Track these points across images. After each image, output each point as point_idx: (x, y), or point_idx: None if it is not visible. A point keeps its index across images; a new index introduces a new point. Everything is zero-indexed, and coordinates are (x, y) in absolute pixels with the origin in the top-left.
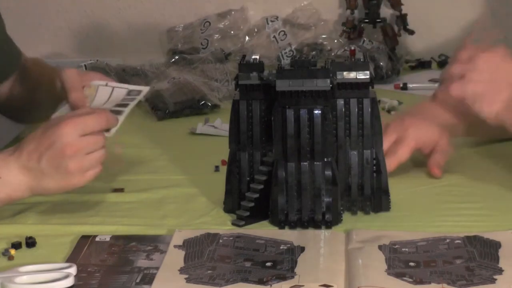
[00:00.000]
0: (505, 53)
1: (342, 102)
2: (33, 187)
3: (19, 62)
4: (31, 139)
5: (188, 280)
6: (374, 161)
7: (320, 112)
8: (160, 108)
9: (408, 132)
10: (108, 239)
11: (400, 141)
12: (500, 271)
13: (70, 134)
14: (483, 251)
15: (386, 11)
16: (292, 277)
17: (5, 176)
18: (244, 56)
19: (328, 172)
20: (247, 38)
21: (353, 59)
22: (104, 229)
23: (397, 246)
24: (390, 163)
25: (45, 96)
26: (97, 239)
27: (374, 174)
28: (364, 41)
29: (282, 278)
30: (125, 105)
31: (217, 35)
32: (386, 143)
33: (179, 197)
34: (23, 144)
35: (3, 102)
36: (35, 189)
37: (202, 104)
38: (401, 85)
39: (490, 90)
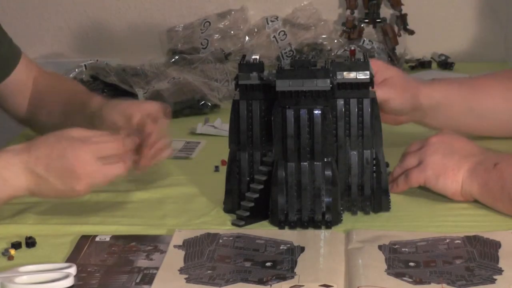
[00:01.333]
0: (452, 132)
1: (342, 102)
2: (32, 190)
3: (18, 59)
4: (43, 144)
5: (188, 280)
6: (374, 161)
7: (320, 112)
8: None
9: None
10: (108, 239)
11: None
12: (499, 271)
13: (85, 154)
14: (483, 251)
15: (386, 11)
16: (292, 277)
17: (8, 178)
18: (244, 56)
19: (328, 172)
20: (247, 38)
21: (353, 59)
22: (104, 229)
23: (397, 246)
24: (401, 187)
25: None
26: (97, 239)
27: (374, 174)
28: (364, 41)
29: (282, 278)
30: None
31: (217, 35)
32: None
33: (179, 197)
34: (33, 147)
35: (8, 100)
36: (34, 193)
37: (202, 104)
38: None
39: (449, 166)
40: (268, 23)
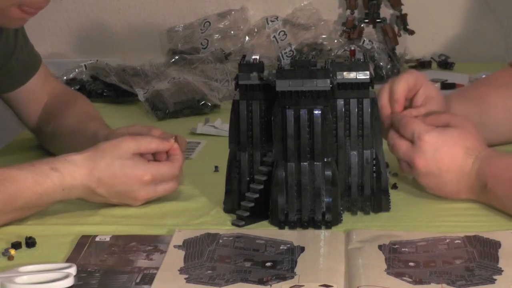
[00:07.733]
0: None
1: (342, 102)
2: (84, 199)
3: (36, 67)
4: (106, 167)
5: (188, 280)
6: (374, 161)
7: (320, 112)
8: (160, 108)
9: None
10: (108, 239)
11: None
12: (499, 271)
13: (147, 180)
14: (483, 251)
15: (386, 11)
16: (292, 277)
17: (68, 192)
18: (244, 56)
19: (328, 172)
20: (247, 38)
21: (353, 59)
22: (104, 229)
23: (397, 246)
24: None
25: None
26: (97, 239)
27: (374, 174)
28: (364, 41)
29: (282, 278)
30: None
31: (217, 35)
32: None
33: (179, 197)
34: (96, 168)
35: (21, 108)
36: (85, 200)
37: (202, 104)
38: None
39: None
40: (268, 23)
